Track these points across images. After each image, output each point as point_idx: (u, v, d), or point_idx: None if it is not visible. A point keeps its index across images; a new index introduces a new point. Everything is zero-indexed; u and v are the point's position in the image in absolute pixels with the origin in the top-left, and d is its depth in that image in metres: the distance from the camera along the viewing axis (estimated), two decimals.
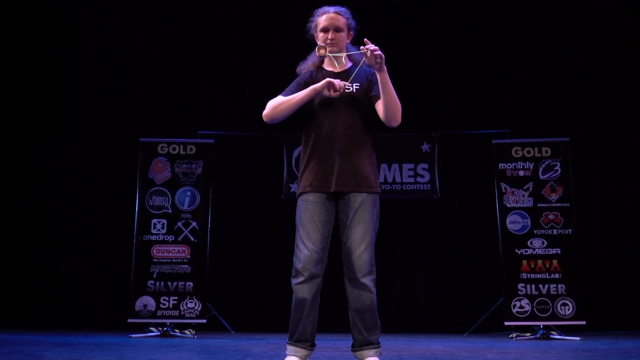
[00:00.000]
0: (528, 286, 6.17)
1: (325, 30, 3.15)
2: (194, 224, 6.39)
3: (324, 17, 3.16)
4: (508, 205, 6.41)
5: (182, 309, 6.16)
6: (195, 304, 6.18)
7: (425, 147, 7.26)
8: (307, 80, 3.21)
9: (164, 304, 6.17)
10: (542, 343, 5.55)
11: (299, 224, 3.08)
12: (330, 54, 3.14)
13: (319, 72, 3.21)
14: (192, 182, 6.49)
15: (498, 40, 7.52)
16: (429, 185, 7.21)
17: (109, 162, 7.29)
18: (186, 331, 6.06)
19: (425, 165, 7.23)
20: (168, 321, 6.10)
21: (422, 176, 7.23)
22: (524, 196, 6.40)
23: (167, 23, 7.54)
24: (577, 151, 6.80)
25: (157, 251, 6.30)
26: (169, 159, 6.51)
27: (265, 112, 3.19)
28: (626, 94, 7.25)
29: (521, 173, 6.45)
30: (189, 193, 6.46)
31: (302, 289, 3.03)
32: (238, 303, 7.11)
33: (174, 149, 6.54)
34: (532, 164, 6.44)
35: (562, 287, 6.13)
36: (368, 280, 2.99)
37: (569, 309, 6.07)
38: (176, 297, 6.19)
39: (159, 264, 6.27)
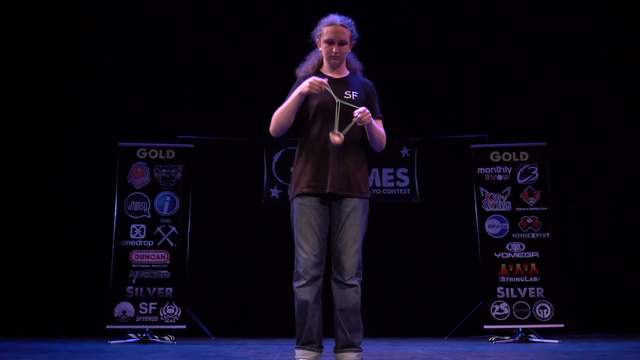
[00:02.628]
0: (507, 289, 6.22)
1: (330, 42, 3.19)
2: (174, 229, 6.35)
3: (330, 29, 3.18)
4: (487, 209, 6.46)
5: (161, 314, 6.11)
6: (175, 309, 6.14)
7: (404, 151, 7.30)
8: None
9: (143, 310, 6.12)
10: (521, 346, 5.60)
11: (295, 227, 3.14)
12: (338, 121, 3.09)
13: (318, 76, 3.16)
14: (172, 186, 6.45)
15: (476, 46, 7.60)
16: (408, 190, 7.24)
17: (86, 166, 7.20)
18: (166, 337, 6.01)
19: (405, 170, 7.27)
20: (147, 327, 6.05)
21: (402, 180, 7.27)
22: (502, 200, 6.46)
23: (146, 27, 7.50)
24: (555, 156, 6.88)
25: (136, 256, 6.25)
26: (148, 163, 6.46)
27: (270, 128, 3.24)
28: (603, 98, 7.37)
29: (499, 177, 6.52)
30: (168, 198, 6.42)
31: (304, 291, 3.08)
32: (218, 308, 7.08)
33: (153, 154, 6.49)
34: (510, 168, 6.51)
35: (540, 291, 6.20)
36: (355, 282, 3.08)
37: (547, 312, 6.13)
38: (155, 303, 6.14)
39: (138, 270, 6.21)
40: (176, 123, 7.39)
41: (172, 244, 6.31)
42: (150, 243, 6.29)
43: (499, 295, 6.23)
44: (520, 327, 6.10)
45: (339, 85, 3.18)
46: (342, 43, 3.20)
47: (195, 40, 7.58)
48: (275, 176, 7.22)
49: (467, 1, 7.61)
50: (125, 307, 6.10)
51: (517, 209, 6.40)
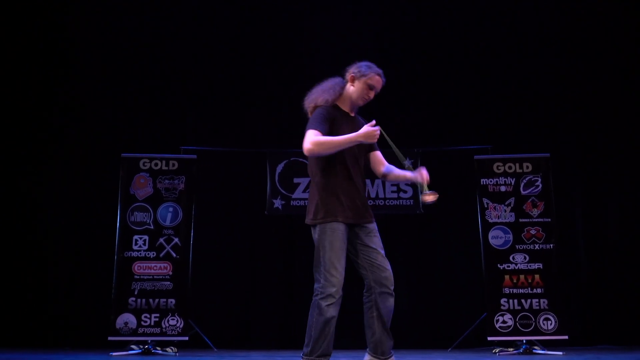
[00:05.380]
0: (510, 301, 6.19)
1: (371, 88, 3.48)
2: (176, 240, 6.33)
3: (377, 79, 3.47)
4: (490, 220, 6.44)
5: (163, 326, 6.09)
6: (177, 321, 6.11)
7: (407, 162, 7.24)
8: (334, 117, 3.41)
9: (146, 321, 6.09)
10: (525, 358, 5.57)
11: (329, 250, 3.30)
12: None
13: (336, 110, 3.47)
14: (174, 197, 6.44)
15: (479, 58, 7.62)
16: (411, 201, 7.23)
17: (89, 177, 7.21)
18: (168, 349, 5.98)
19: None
20: (149, 339, 6.03)
21: (405, 192, 7.26)
22: (505, 211, 6.44)
23: (150, 38, 7.54)
24: (558, 166, 6.87)
25: (138, 268, 6.23)
26: (151, 174, 6.46)
27: (309, 147, 3.27)
28: (607, 109, 7.36)
29: (503, 188, 6.50)
30: (171, 209, 6.41)
31: (334, 309, 3.27)
32: (220, 320, 7.05)
33: (156, 165, 6.50)
34: (514, 179, 6.49)
35: (544, 302, 6.16)
36: (393, 293, 3.39)
37: (551, 324, 6.09)
38: (158, 315, 6.12)
39: (140, 281, 6.20)
40: (179, 134, 7.41)
41: (174, 255, 6.30)
42: (153, 254, 6.28)
43: (502, 307, 6.19)
44: (524, 338, 6.06)
45: (355, 122, 3.49)
46: (377, 92, 3.53)
47: (199, 52, 7.62)
48: (278, 187, 7.22)
49: (470, 12, 7.63)
50: (127, 319, 6.08)
51: (520, 220, 6.38)
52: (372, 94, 3.49)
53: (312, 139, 3.26)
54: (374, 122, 3.32)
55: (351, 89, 3.50)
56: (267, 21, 7.68)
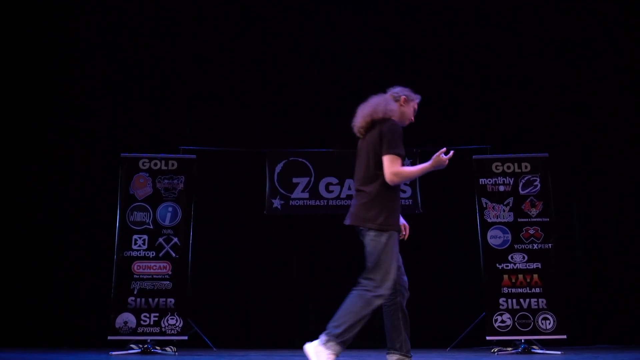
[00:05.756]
0: (509, 301, 6.20)
1: (414, 112, 3.87)
2: (176, 239, 6.35)
3: (417, 102, 3.87)
4: (489, 220, 6.45)
5: (163, 325, 6.10)
6: (177, 320, 6.12)
7: (406, 162, 7.30)
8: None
9: (145, 321, 6.10)
10: (524, 357, 5.58)
11: (391, 255, 3.57)
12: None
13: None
14: (174, 197, 6.45)
15: (478, 58, 7.63)
16: (410, 201, 7.25)
17: (89, 177, 7.23)
18: (167, 348, 5.99)
19: (407, 181, 7.27)
20: (149, 338, 6.04)
21: (404, 191, 7.27)
22: (504, 211, 6.45)
23: (149, 38, 7.55)
24: (557, 166, 6.88)
25: (137, 267, 6.24)
26: (150, 174, 6.47)
27: (393, 179, 3.52)
28: (605, 109, 7.38)
29: (501, 188, 6.51)
30: (170, 209, 6.42)
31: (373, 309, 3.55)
32: (220, 319, 7.06)
33: (155, 165, 6.50)
34: (512, 179, 6.51)
35: (542, 302, 6.17)
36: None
37: (549, 324, 6.11)
38: (157, 314, 6.13)
39: (139, 280, 6.20)
40: (179, 134, 7.42)
41: (174, 254, 6.31)
42: (152, 254, 6.29)
43: (501, 306, 6.21)
44: (522, 338, 6.08)
45: None
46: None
47: (198, 51, 7.64)
48: (277, 187, 7.23)
49: (469, 13, 7.65)
50: (127, 318, 6.09)
51: (519, 219, 6.39)
52: (413, 117, 3.86)
53: (396, 170, 3.50)
54: (444, 149, 3.58)
55: (403, 109, 3.79)
56: (266, 21, 7.69)
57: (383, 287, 3.48)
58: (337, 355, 3.36)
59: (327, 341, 3.34)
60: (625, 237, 7.17)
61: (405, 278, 3.73)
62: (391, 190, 3.60)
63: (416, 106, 3.86)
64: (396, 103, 3.76)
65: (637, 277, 7.01)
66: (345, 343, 3.38)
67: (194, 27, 7.63)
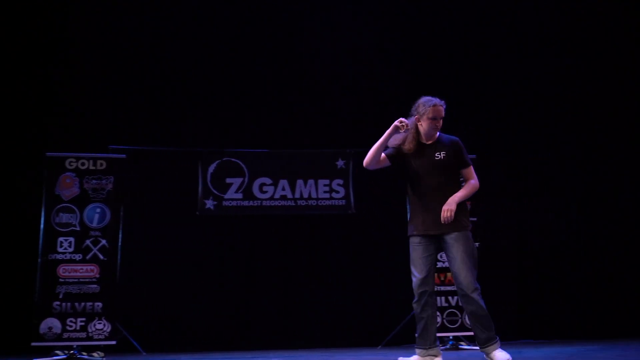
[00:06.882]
0: (438, 298, 6.35)
1: (434, 119, 4.00)
2: (104, 241, 6.18)
3: (434, 108, 4.01)
4: None
5: (90, 330, 5.93)
6: (104, 325, 5.97)
7: (340, 163, 7.37)
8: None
9: (71, 326, 5.92)
10: (452, 353, 5.73)
11: (411, 258, 4.24)
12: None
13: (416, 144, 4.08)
14: (102, 198, 6.28)
15: (398, 59, 7.76)
16: (344, 201, 7.31)
17: (12, 177, 6.92)
18: (94, 354, 5.86)
19: (340, 181, 7.34)
20: (75, 344, 5.87)
21: (337, 192, 7.33)
22: None
23: (77, 31, 7.31)
24: (483, 165, 7.09)
25: (63, 271, 6.05)
26: (77, 174, 6.28)
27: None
28: (529, 107, 7.68)
29: None
30: (98, 210, 6.25)
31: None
32: (150, 323, 6.90)
33: (82, 164, 6.31)
34: None
35: None
36: (476, 295, 3.95)
37: None
38: (84, 319, 5.95)
39: (65, 284, 6.01)
40: (107, 132, 7.19)
41: (101, 257, 6.14)
42: (79, 256, 6.11)
43: None
44: (451, 335, 6.24)
45: (430, 149, 4.03)
46: (441, 118, 4.05)
47: (129, 46, 7.43)
48: (210, 187, 7.14)
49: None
50: (51, 323, 5.89)
51: None
52: (438, 123, 4.04)
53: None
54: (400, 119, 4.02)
55: (421, 127, 4.08)
56: (192, 19, 7.58)
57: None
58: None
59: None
60: (552, 235, 7.47)
61: (460, 278, 4.02)
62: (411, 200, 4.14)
63: (436, 114, 4.00)
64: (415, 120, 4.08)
65: (565, 275, 7.32)
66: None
67: (123, 20, 7.42)
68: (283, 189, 7.23)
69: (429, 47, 7.78)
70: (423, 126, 4.05)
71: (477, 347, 5.39)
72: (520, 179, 7.64)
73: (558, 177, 7.64)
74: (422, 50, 7.79)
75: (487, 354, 3.94)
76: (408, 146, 4.04)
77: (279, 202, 7.19)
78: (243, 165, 7.25)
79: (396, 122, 3.95)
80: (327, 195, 7.32)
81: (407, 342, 6.73)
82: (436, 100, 4.07)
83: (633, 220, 7.50)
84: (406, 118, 4.07)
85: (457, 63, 7.80)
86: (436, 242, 4.03)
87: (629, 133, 7.69)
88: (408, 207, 4.11)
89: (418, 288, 4.00)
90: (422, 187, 4.02)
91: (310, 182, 7.31)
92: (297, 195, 7.23)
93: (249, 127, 7.53)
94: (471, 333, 6.17)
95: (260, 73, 7.65)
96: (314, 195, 7.30)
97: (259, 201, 7.19)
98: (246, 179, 7.22)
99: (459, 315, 6.28)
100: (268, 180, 7.26)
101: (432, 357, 3.98)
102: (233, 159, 7.25)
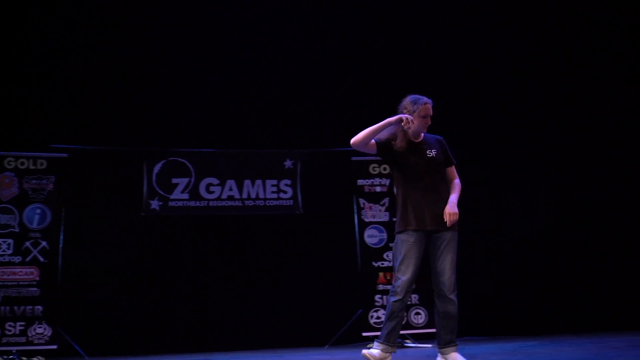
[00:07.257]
0: (384, 297, 6.45)
1: (425, 117, 4.03)
2: (44, 243, 6.03)
3: (425, 106, 4.03)
4: (366, 219, 6.69)
5: (29, 334, 5.78)
6: (45, 329, 5.82)
7: (288, 163, 7.38)
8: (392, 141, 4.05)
9: (10, 330, 5.77)
10: (397, 351, 5.80)
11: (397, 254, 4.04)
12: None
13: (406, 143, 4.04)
14: (43, 198, 6.13)
15: (347, 59, 7.83)
16: (291, 201, 7.33)
17: None
18: (35, 358, 5.73)
19: (288, 182, 7.35)
20: (14, 349, 5.73)
21: (285, 192, 7.34)
22: (380, 211, 6.71)
23: (16, 27, 7.08)
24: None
25: (2, 273, 5.90)
26: (16, 174, 6.13)
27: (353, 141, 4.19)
28: (458, 109, 7.86)
29: (378, 189, 6.78)
30: (38, 210, 6.09)
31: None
32: (92, 326, 6.75)
33: (22, 164, 6.16)
34: (389, 180, 6.78)
35: (415, 297, 6.50)
36: (454, 297, 3.91)
37: (421, 318, 6.44)
38: (23, 323, 5.81)
39: (3, 287, 5.87)
40: (48, 131, 6.99)
41: (42, 259, 6.00)
42: (18, 259, 5.95)
43: (376, 303, 6.45)
44: (404, 333, 6.33)
45: (421, 147, 4.03)
46: (430, 117, 4.07)
47: (70, 43, 7.23)
48: (155, 187, 7.04)
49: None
50: None
51: (394, 219, 6.64)
52: (428, 121, 4.05)
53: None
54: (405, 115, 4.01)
55: (413, 125, 4.03)
56: (142, 14, 7.46)
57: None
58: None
59: None
60: (494, 236, 7.68)
61: (443, 279, 3.94)
62: (401, 197, 4.03)
63: (426, 112, 4.02)
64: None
65: (511, 273, 7.53)
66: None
67: (63, 18, 7.22)
68: (230, 189, 7.20)
69: (381, 45, 7.86)
70: (413, 124, 4.02)
71: (423, 345, 5.49)
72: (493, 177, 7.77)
73: (529, 180, 7.80)
74: (376, 49, 7.86)
75: (444, 354, 4.00)
76: (400, 144, 4.02)
77: (226, 203, 7.15)
78: (189, 165, 7.17)
79: (403, 116, 3.94)
80: (274, 196, 7.32)
81: (354, 342, 6.81)
82: (425, 99, 4.09)
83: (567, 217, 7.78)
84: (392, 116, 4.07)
85: (408, 61, 7.87)
86: (426, 239, 3.98)
87: (612, 130, 7.80)
88: (397, 204, 4.04)
89: (405, 288, 3.91)
90: (417, 184, 3.99)
91: (258, 182, 7.29)
92: (244, 196, 7.21)
93: (196, 127, 7.46)
94: (416, 330, 6.34)
95: (207, 72, 7.58)
96: (261, 196, 7.29)
97: (206, 201, 7.13)
98: (192, 179, 7.15)
99: (405, 313, 6.38)
100: (215, 181, 7.20)
101: (391, 354, 4.06)
102: (179, 159, 7.16)
